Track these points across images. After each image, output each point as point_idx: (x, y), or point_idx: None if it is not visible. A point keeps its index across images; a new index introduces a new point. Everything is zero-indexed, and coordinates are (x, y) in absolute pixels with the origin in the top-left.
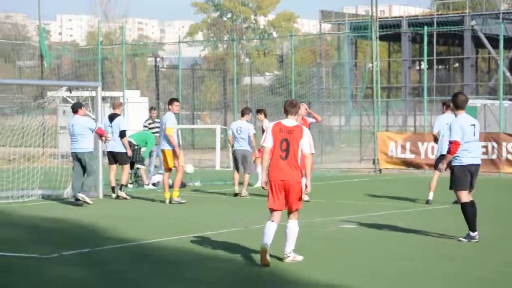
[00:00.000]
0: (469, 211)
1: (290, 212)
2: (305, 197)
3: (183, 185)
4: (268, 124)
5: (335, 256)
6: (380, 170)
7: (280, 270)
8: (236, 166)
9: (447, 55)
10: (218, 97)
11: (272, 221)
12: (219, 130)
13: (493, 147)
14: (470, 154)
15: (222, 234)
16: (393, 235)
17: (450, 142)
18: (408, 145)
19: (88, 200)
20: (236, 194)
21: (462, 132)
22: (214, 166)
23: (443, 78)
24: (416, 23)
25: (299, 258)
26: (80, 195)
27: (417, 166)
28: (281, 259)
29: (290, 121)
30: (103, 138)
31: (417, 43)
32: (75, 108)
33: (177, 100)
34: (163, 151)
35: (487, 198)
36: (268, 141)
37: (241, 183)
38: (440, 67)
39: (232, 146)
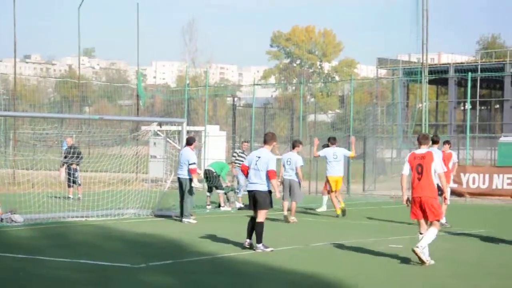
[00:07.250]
0: None
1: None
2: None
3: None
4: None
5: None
6: None
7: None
8: (286, 194)
9: (489, 98)
10: (286, 131)
11: None
12: None
13: None
14: None
15: (287, 251)
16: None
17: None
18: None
19: (191, 221)
20: (285, 217)
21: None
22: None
23: (484, 117)
24: (461, 69)
25: None
26: (185, 221)
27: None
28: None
29: (422, 149)
30: (193, 175)
31: (462, 86)
32: (190, 141)
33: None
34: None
35: None
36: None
37: (289, 210)
38: (482, 108)
39: (282, 176)
